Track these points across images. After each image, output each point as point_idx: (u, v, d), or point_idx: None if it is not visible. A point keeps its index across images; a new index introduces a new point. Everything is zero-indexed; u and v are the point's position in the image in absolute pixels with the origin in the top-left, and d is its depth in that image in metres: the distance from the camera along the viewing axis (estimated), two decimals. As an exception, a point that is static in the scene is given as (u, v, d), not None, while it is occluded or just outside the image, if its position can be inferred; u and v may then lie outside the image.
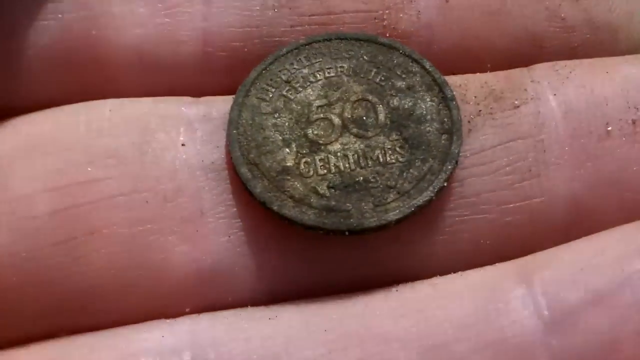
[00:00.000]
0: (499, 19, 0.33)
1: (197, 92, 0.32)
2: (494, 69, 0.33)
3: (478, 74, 0.32)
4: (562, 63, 0.32)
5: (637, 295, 0.26)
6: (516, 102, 0.31)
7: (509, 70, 0.32)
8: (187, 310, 0.28)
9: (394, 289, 0.28)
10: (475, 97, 0.31)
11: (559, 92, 0.31)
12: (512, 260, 0.29)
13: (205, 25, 0.32)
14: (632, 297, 0.26)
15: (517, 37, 0.33)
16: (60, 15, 0.31)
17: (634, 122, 0.30)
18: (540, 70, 0.32)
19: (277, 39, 0.32)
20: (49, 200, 0.28)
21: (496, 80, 0.32)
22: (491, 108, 0.31)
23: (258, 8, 0.32)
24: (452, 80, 0.32)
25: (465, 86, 0.31)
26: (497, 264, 0.29)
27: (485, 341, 0.26)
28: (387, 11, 0.33)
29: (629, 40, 0.34)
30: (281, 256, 0.29)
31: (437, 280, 0.29)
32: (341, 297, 0.28)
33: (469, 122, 0.30)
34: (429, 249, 0.29)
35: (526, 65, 0.33)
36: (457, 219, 0.29)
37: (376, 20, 0.33)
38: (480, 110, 0.30)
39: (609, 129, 0.30)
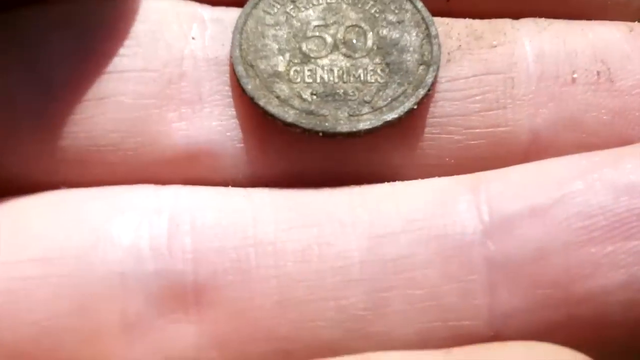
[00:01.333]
0: None
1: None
2: (486, 1, 0.35)
3: (466, 19, 0.35)
4: (542, 19, 0.34)
5: (569, 213, 0.29)
6: (494, 43, 0.33)
7: (494, 19, 0.34)
8: (175, 181, 0.32)
9: (357, 187, 0.32)
10: (458, 34, 0.34)
11: (534, 39, 0.33)
12: (469, 174, 0.32)
13: None
14: (564, 214, 0.29)
15: None
16: None
17: (598, 73, 0.33)
18: (522, 22, 0.34)
19: None
20: None
21: (480, 24, 0.34)
22: (470, 44, 0.33)
23: None
24: (441, 20, 0.34)
25: (452, 25, 0.34)
26: (454, 175, 0.32)
27: (429, 235, 0.29)
28: None
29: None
30: (263, 146, 0.32)
31: (398, 183, 0.32)
32: (309, 188, 0.31)
33: (448, 54, 0.33)
34: (398, 160, 0.32)
35: (518, 4, 0.34)
36: (426, 135, 0.32)
37: None
38: (460, 45, 0.33)
39: (575, 76, 0.33)
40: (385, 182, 0.32)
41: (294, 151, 0.32)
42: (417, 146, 0.32)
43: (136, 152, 0.32)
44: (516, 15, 0.35)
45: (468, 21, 0.34)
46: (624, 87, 0.33)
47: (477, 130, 0.32)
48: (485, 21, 0.34)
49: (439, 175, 0.32)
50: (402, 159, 0.32)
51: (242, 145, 0.32)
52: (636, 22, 0.35)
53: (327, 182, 0.32)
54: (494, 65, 0.33)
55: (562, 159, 0.31)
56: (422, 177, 0.32)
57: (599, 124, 0.32)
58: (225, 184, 0.32)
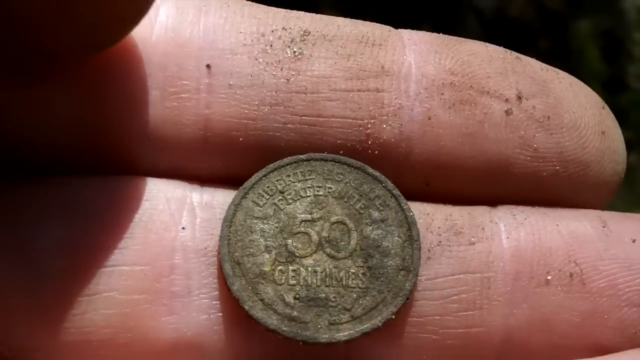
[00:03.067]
0: (475, 140, 0.35)
1: (195, 172, 0.35)
2: (464, 186, 0.36)
3: (446, 205, 0.36)
4: (520, 209, 0.36)
5: None
6: (473, 239, 0.35)
7: (473, 207, 0.36)
8: None
9: None
10: (438, 227, 0.35)
11: (512, 236, 0.35)
12: None
13: (207, 113, 0.34)
14: None
15: (490, 159, 0.35)
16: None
17: (571, 275, 0.34)
18: (500, 212, 0.35)
19: (270, 133, 0.35)
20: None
21: (460, 215, 0.35)
22: (450, 240, 0.35)
23: (256, 103, 0.34)
24: (422, 207, 0.35)
25: (433, 215, 0.35)
26: None
27: None
28: (372, 121, 0.35)
29: (599, 176, 0.36)
30: (248, 342, 0.33)
31: None
32: None
33: (428, 250, 0.34)
34: (376, 356, 0.34)
35: (494, 189, 0.36)
36: (405, 334, 0.34)
37: (361, 128, 0.35)
38: (440, 242, 0.35)
39: (549, 277, 0.34)
40: None
41: (278, 349, 0.34)
42: (395, 344, 0.34)
43: (127, 347, 0.33)
44: (493, 199, 0.36)
45: (448, 211, 0.36)
46: (595, 289, 0.34)
47: (453, 331, 0.34)
48: (465, 211, 0.36)
49: None
50: (381, 356, 0.34)
51: (228, 339, 0.33)
52: (609, 213, 0.36)
53: None
54: (471, 264, 0.34)
55: None
56: None
57: (570, 326, 0.34)
58: None
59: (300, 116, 0.35)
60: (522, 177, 0.36)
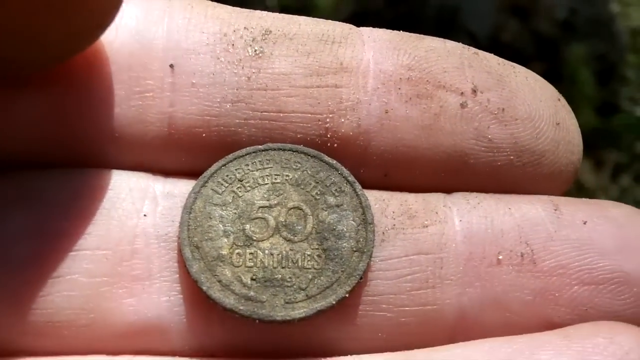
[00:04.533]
0: (431, 133, 0.36)
1: (160, 166, 0.36)
2: (421, 177, 0.37)
3: (402, 192, 0.37)
4: (474, 194, 0.37)
5: None
6: (426, 222, 0.36)
7: (429, 194, 0.37)
8: (126, 352, 0.34)
9: None
10: (393, 212, 0.36)
11: (464, 219, 0.36)
12: (399, 352, 0.34)
13: (171, 111, 0.36)
14: None
15: (445, 151, 0.36)
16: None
17: (522, 255, 0.35)
18: (454, 197, 0.36)
19: (232, 129, 0.36)
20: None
21: (415, 201, 0.36)
22: (404, 223, 0.36)
23: (218, 100, 0.36)
24: (379, 194, 0.36)
25: (388, 201, 0.36)
26: (386, 352, 0.34)
27: None
28: (331, 115, 0.36)
29: (554, 166, 0.37)
30: (207, 321, 0.34)
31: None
32: None
33: (383, 233, 0.35)
34: (334, 334, 0.35)
35: (451, 179, 0.37)
36: (361, 312, 0.35)
37: (320, 123, 0.36)
38: (394, 225, 0.36)
39: (500, 257, 0.35)
40: (321, 358, 0.34)
41: (236, 328, 0.34)
42: (351, 322, 0.35)
43: (89, 328, 0.34)
44: (450, 189, 0.37)
45: (403, 197, 0.37)
46: (545, 268, 0.35)
47: (407, 309, 0.34)
48: (420, 197, 0.37)
49: (373, 349, 0.35)
50: (338, 333, 0.35)
51: (188, 319, 0.34)
52: (562, 198, 0.37)
53: (267, 354, 0.35)
54: (424, 245, 0.35)
55: (484, 344, 0.33)
56: (357, 351, 0.35)
57: (522, 304, 0.35)
58: (173, 354, 0.34)
59: (261, 112, 0.36)
60: (477, 167, 0.37)
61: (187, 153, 0.36)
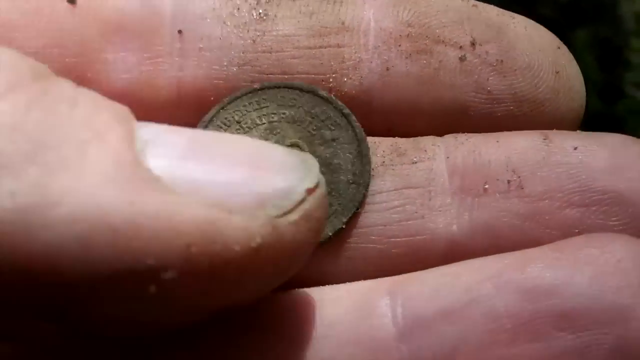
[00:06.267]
0: (431, 87, 0.38)
1: None
2: (424, 129, 0.38)
3: (394, 137, 0.39)
4: (464, 134, 0.38)
5: (477, 316, 0.32)
6: (414, 159, 0.38)
7: (420, 137, 0.39)
8: None
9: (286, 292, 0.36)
10: (383, 151, 0.38)
11: (452, 155, 0.37)
12: (390, 277, 0.36)
13: (180, 75, 0.38)
14: (473, 316, 0.33)
15: (446, 104, 0.38)
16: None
17: (509, 182, 0.36)
18: (445, 137, 0.38)
19: None
20: None
21: (405, 141, 0.38)
22: (393, 160, 0.38)
23: (225, 64, 0.38)
24: (371, 139, 0.38)
25: (379, 143, 0.38)
26: (378, 278, 0.36)
27: (348, 339, 0.33)
28: (334, 75, 0.38)
29: (555, 113, 0.38)
30: None
31: (326, 288, 0.36)
32: None
33: (372, 169, 0.38)
34: (326, 266, 0.37)
35: (451, 131, 0.38)
36: (352, 245, 0.37)
37: (323, 83, 0.38)
38: (384, 162, 0.38)
39: (486, 187, 0.36)
40: (313, 287, 0.36)
41: None
42: (343, 254, 0.37)
43: None
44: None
45: (394, 140, 0.39)
46: (534, 192, 0.36)
47: (398, 239, 0.36)
48: (411, 139, 0.39)
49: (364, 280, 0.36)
50: (329, 265, 0.37)
51: None
52: (552, 132, 0.38)
53: None
54: (413, 180, 0.37)
55: (474, 262, 0.35)
56: (349, 281, 0.37)
57: (511, 228, 0.36)
58: None
59: (267, 74, 0.38)
60: (478, 119, 0.38)
61: (196, 116, 0.38)
